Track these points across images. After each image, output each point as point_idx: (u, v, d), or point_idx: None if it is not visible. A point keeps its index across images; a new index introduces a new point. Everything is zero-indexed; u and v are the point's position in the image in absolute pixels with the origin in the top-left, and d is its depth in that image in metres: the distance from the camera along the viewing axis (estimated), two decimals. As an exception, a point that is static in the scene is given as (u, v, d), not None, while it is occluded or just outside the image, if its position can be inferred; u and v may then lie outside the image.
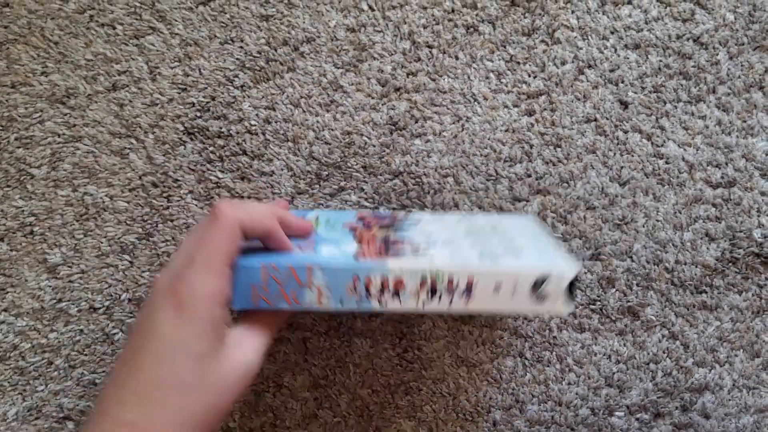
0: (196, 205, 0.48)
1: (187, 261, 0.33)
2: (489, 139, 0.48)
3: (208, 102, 0.49)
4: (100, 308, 0.47)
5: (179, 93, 0.49)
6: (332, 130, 0.48)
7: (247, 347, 0.34)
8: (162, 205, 0.48)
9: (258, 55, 0.49)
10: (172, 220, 0.48)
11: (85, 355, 0.47)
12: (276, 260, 0.35)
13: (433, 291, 0.35)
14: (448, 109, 0.49)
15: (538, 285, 0.35)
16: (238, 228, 0.34)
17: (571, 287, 0.35)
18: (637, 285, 0.47)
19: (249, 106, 0.48)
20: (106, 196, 0.48)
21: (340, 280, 0.35)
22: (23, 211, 0.48)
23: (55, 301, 0.47)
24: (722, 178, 0.48)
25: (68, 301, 0.47)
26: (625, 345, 0.47)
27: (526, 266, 0.35)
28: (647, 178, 0.48)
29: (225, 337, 0.33)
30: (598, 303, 0.47)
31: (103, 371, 0.47)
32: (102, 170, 0.48)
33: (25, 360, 0.47)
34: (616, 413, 0.47)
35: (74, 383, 0.47)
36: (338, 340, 0.47)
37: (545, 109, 0.48)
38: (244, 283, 0.35)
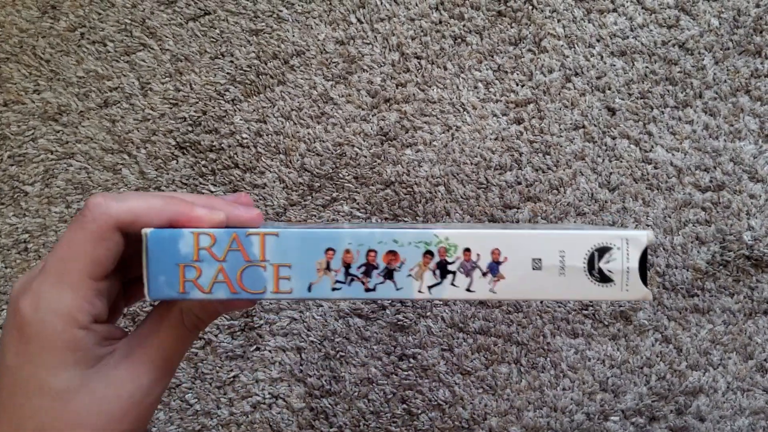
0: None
1: (39, 270, 0.26)
2: (479, 147, 0.49)
3: (199, 116, 0.49)
4: (94, 324, 0.47)
5: (171, 108, 0.49)
6: (323, 141, 0.49)
7: (135, 369, 0.26)
8: (155, 220, 0.48)
9: (248, 69, 0.49)
10: (165, 235, 0.48)
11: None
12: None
13: (444, 269, 0.25)
14: (437, 118, 0.49)
15: (597, 257, 0.25)
16: (112, 225, 0.25)
17: (642, 267, 0.25)
18: (629, 289, 0.47)
19: (240, 120, 0.49)
20: (99, 211, 0.48)
21: (306, 253, 0.25)
22: (17, 228, 0.48)
23: (50, 317, 0.47)
24: (711, 181, 0.48)
25: (63, 317, 0.47)
26: (618, 349, 0.47)
27: (577, 232, 0.25)
28: (636, 183, 0.48)
29: (99, 361, 0.26)
30: (591, 308, 0.47)
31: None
32: (95, 186, 0.48)
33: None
34: (612, 418, 0.47)
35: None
36: (333, 350, 0.47)
37: (534, 117, 0.49)
38: (167, 262, 0.25)
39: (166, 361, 0.27)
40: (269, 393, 0.47)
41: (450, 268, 0.25)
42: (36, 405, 0.25)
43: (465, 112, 0.49)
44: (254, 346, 0.47)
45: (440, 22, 0.49)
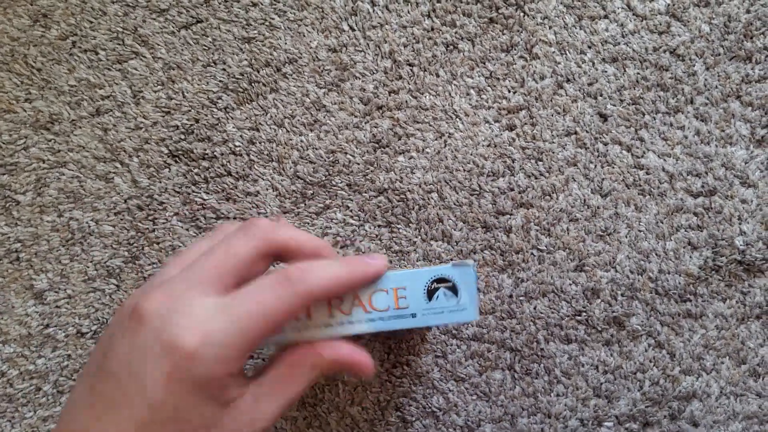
0: (181, 227, 0.48)
1: (181, 281, 0.25)
2: (471, 154, 0.49)
3: (192, 124, 0.49)
4: (87, 333, 0.47)
5: (163, 116, 0.49)
6: (316, 149, 0.49)
7: (262, 414, 0.26)
8: (148, 228, 0.48)
9: (241, 77, 0.49)
10: (158, 243, 0.48)
11: (74, 380, 0.47)
12: None
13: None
14: (430, 125, 0.49)
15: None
16: (306, 299, 0.26)
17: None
18: (622, 295, 0.48)
19: (233, 128, 0.49)
20: (91, 220, 0.48)
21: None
22: (9, 237, 0.48)
23: (42, 326, 0.47)
24: (703, 187, 0.48)
25: (55, 326, 0.47)
26: (611, 355, 0.47)
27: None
28: (628, 189, 0.48)
29: (231, 402, 0.26)
30: (584, 314, 0.47)
31: (92, 396, 0.47)
32: (87, 195, 0.48)
33: (12, 387, 0.47)
34: (605, 424, 0.47)
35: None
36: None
37: (526, 124, 0.49)
38: None
39: (289, 406, 0.28)
40: (263, 401, 0.47)
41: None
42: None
43: (457, 119, 0.49)
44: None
45: (432, 30, 0.50)
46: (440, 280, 0.30)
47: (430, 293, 0.30)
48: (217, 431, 0.25)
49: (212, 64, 0.49)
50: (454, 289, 0.30)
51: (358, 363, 0.29)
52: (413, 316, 0.30)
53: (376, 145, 0.49)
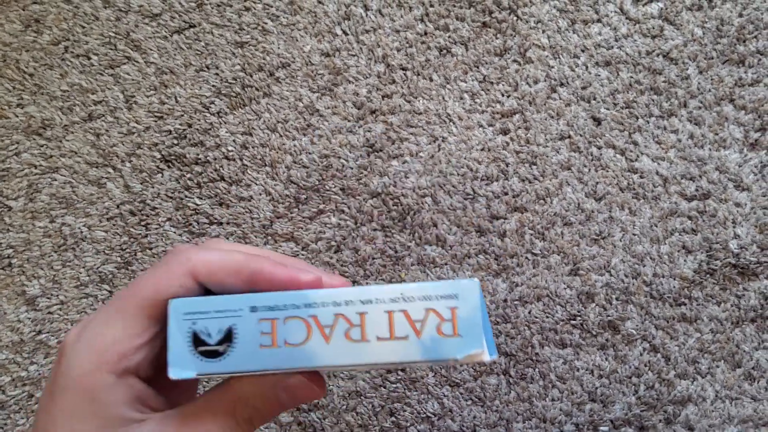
0: (174, 233, 0.48)
1: (98, 309, 0.23)
2: (465, 158, 0.49)
3: (184, 129, 0.49)
4: (79, 339, 0.47)
5: (155, 121, 0.49)
6: (309, 153, 0.49)
7: None
8: (140, 234, 0.48)
9: (233, 82, 0.49)
10: (150, 248, 0.48)
11: (66, 387, 0.47)
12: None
13: None
14: (423, 129, 0.49)
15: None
16: (185, 270, 0.22)
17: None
18: (617, 299, 0.47)
19: (226, 132, 0.49)
20: (84, 226, 0.48)
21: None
22: (1, 243, 0.48)
23: (34, 333, 0.47)
24: (697, 190, 0.48)
25: (48, 332, 0.47)
26: (606, 359, 0.47)
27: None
28: (622, 192, 0.48)
29: (122, 425, 0.21)
30: (579, 318, 0.47)
31: (84, 403, 0.46)
32: (79, 200, 0.48)
33: (5, 394, 0.47)
34: (601, 428, 0.47)
35: (55, 416, 0.47)
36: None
37: (519, 128, 0.49)
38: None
39: None
40: (256, 407, 0.47)
41: None
42: None
43: (451, 123, 0.49)
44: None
45: (425, 34, 0.50)
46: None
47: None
48: None
49: (205, 69, 0.49)
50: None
51: (294, 388, 0.23)
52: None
53: (370, 150, 0.49)
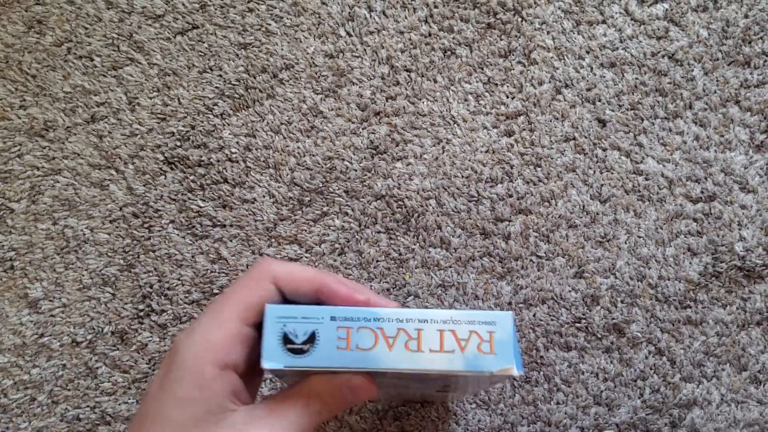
0: (177, 235, 0.48)
1: (200, 315, 0.27)
2: (469, 160, 0.48)
3: (187, 131, 0.48)
4: (82, 342, 0.47)
5: (159, 123, 0.48)
6: (313, 155, 0.48)
7: (264, 429, 0.25)
8: (143, 236, 0.48)
9: (237, 83, 0.49)
10: (153, 251, 0.47)
11: (69, 390, 0.46)
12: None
13: None
14: (428, 131, 0.49)
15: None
16: (269, 276, 0.27)
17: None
18: (622, 302, 0.47)
19: (229, 134, 0.48)
20: (86, 228, 0.48)
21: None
22: (3, 245, 0.48)
23: (36, 336, 0.47)
24: (702, 192, 0.48)
25: (50, 335, 0.47)
26: (612, 362, 0.47)
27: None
28: (627, 195, 0.48)
29: (222, 412, 0.25)
30: (584, 321, 0.47)
31: (87, 406, 0.46)
32: (82, 202, 0.48)
33: (7, 397, 0.47)
34: (606, 432, 0.46)
35: (58, 419, 0.47)
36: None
37: (524, 130, 0.49)
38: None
39: None
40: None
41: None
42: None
43: (455, 125, 0.49)
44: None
45: (430, 35, 0.49)
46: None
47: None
48: None
49: (208, 70, 0.49)
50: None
51: (357, 387, 0.27)
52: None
53: (374, 152, 0.48)
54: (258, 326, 0.27)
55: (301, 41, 0.49)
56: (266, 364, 0.26)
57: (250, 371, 0.27)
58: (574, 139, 0.49)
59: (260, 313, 0.27)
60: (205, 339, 0.26)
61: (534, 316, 0.47)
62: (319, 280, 0.28)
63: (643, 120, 0.49)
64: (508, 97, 0.49)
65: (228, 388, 0.26)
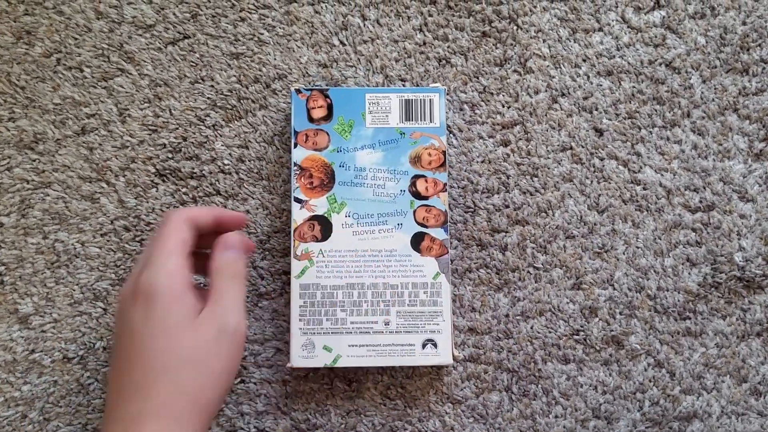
0: (170, 249, 0.47)
1: (144, 261, 0.35)
2: (465, 170, 0.48)
3: (179, 143, 0.48)
4: (74, 358, 0.46)
5: (150, 134, 0.48)
6: (307, 166, 0.48)
7: (223, 309, 0.35)
8: (135, 250, 0.47)
9: (229, 94, 0.48)
10: (145, 265, 0.47)
11: (60, 406, 0.46)
12: None
13: None
14: (423, 141, 0.48)
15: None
16: (186, 218, 0.36)
17: None
18: (620, 313, 0.47)
19: (221, 146, 0.48)
20: (77, 242, 0.47)
21: None
22: (-8, 260, 0.47)
23: (27, 352, 0.46)
24: (701, 202, 0.48)
25: (41, 351, 0.46)
26: (610, 375, 0.46)
27: None
28: (625, 204, 0.48)
29: (197, 314, 0.34)
30: (582, 333, 0.47)
31: (79, 423, 0.46)
32: (73, 216, 0.47)
33: (-3, 414, 0.46)
34: (605, 445, 0.46)
35: (49, 436, 0.46)
36: (318, 384, 0.46)
37: (520, 139, 0.48)
38: None
39: (237, 301, 0.36)
40: (255, 427, 0.46)
41: None
42: (160, 345, 0.32)
43: (451, 135, 0.48)
44: (239, 379, 0.46)
45: (424, 44, 0.49)
46: None
47: None
48: (193, 334, 0.33)
49: (200, 81, 0.48)
50: None
51: (242, 244, 0.38)
52: None
53: (369, 162, 0.48)
54: (190, 254, 0.36)
55: (293, 51, 0.49)
56: None
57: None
58: (571, 148, 0.48)
59: (189, 245, 0.36)
60: (168, 270, 0.34)
61: (532, 328, 0.47)
62: (214, 212, 0.38)
63: (640, 129, 0.48)
64: (503, 106, 0.48)
65: (195, 297, 0.34)
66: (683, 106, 0.48)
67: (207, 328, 0.34)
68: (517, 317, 0.47)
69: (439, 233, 0.44)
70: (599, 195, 0.48)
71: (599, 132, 0.48)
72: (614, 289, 0.47)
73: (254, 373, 0.46)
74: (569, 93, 0.48)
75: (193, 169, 0.48)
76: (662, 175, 0.48)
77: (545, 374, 0.46)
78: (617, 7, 0.49)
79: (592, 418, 0.46)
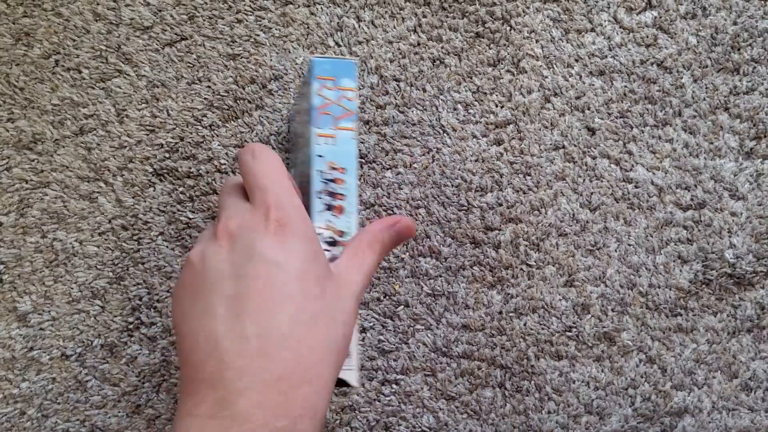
0: (166, 247, 0.47)
1: (256, 198, 0.30)
2: (459, 169, 0.48)
3: (176, 142, 0.48)
4: (72, 355, 0.47)
5: (147, 134, 0.48)
6: (302, 166, 0.48)
7: (352, 267, 0.31)
8: (132, 248, 0.47)
9: (226, 94, 0.49)
10: (143, 263, 0.47)
11: (59, 403, 0.46)
12: None
13: None
14: (417, 141, 0.49)
15: None
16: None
17: None
18: (612, 310, 0.47)
19: (218, 145, 0.48)
20: (75, 241, 0.47)
21: None
22: (-8, 259, 0.47)
23: (26, 349, 0.47)
24: (692, 200, 0.48)
25: (39, 349, 0.47)
26: (602, 371, 0.47)
27: None
28: (617, 203, 0.48)
29: (329, 269, 0.30)
30: (574, 329, 0.47)
31: (77, 420, 0.46)
32: (71, 215, 0.48)
33: (-3, 411, 0.46)
34: (598, 440, 0.46)
35: (48, 432, 0.47)
36: (313, 380, 0.47)
37: (513, 138, 0.49)
38: None
39: (369, 266, 0.32)
40: (251, 422, 0.46)
41: None
42: (312, 292, 0.28)
43: (445, 134, 0.49)
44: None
45: (418, 45, 0.49)
46: None
47: None
48: (329, 282, 0.30)
49: (197, 82, 0.49)
50: None
51: (406, 228, 0.34)
52: None
53: (363, 161, 0.48)
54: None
55: (289, 52, 0.49)
56: None
57: None
58: (564, 147, 0.49)
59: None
60: (300, 205, 0.30)
61: (525, 325, 0.47)
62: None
63: (632, 128, 0.49)
64: (497, 105, 0.49)
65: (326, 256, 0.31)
66: (675, 105, 0.49)
67: (344, 287, 0.30)
68: (510, 314, 0.47)
69: None
70: (591, 193, 0.48)
71: (591, 131, 0.49)
72: (606, 286, 0.47)
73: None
74: (562, 93, 0.49)
75: (190, 168, 0.48)
76: (654, 173, 0.48)
77: (538, 370, 0.47)
78: (609, 7, 0.50)
79: (585, 413, 0.46)
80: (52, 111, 0.48)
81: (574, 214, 0.48)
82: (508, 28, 0.49)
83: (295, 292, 0.28)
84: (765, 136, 0.49)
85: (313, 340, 0.27)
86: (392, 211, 0.48)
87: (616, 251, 0.48)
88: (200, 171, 0.48)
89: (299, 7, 0.49)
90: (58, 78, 0.49)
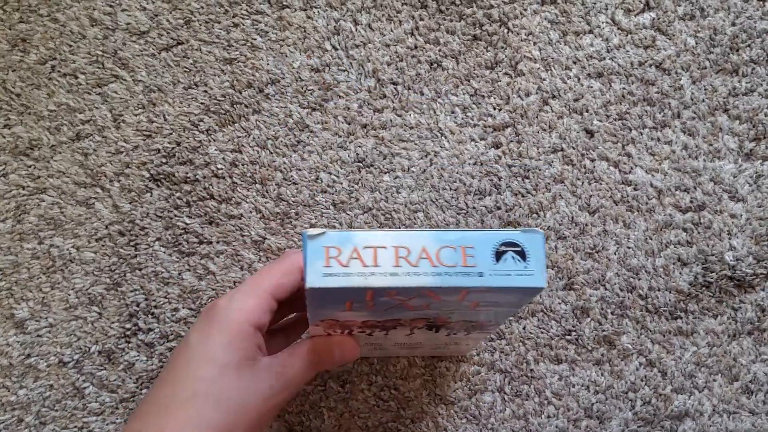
0: (164, 252, 0.47)
1: (236, 287, 0.34)
2: (457, 172, 0.48)
3: (173, 148, 0.48)
4: (69, 362, 0.46)
5: (144, 140, 0.48)
6: (300, 170, 0.48)
7: (269, 379, 0.33)
8: (129, 254, 0.47)
9: (222, 99, 0.49)
10: (140, 269, 0.47)
11: (56, 410, 0.46)
12: None
13: None
14: (415, 144, 0.49)
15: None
16: (299, 265, 0.34)
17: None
18: (612, 313, 0.47)
19: (215, 150, 0.48)
20: (72, 247, 0.47)
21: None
22: (-11, 265, 0.47)
23: (23, 356, 0.46)
24: (691, 202, 0.48)
25: (37, 356, 0.46)
26: (602, 375, 0.47)
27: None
28: (616, 205, 0.48)
29: (253, 360, 0.33)
30: (574, 333, 0.47)
31: (75, 426, 0.46)
32: (68, 221, 0.47)
33: (-6, 418, 0.46)
34: (598, 444, 0.46)
35: (46, 439, 0.46)
36: (311, 385, 0.46)
37: (512, 141, 0.48)
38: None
39: (288, 382, 0.34)
40: None
41: None
42: (201, 372, 0.31)
43: (443, 137, 0.49)
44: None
45: (416, 48, 0.49)
46: (509, 244, 0.29)
47: (498, 255, 0.29)
48: (237, 378, 0.32)
49: (193, 86, 0.49)
50: (522, 254, 0.29)
51: (342, 344, 0.36)
52: (480, 274, 0.28)
53: (361, 165, 0.48)
54: (281, 302, 0.34)
55: (286, 56, 0.49)
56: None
57: (267, 336, 0.36)
58: (562, 150, 0.48)
59: (287, 292, 0.34)
60: (245, 303, 0.33)
61: (524, 329, 0.47)
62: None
63: (631, 130, 0.48)
64: (495, 108, 0.49)
65: (258, 342, 0.33)
66: (673, 107, 0.49)
67: (256, 381, 0.33)
68: (509, 318, 0.47)
69: None
70: (590, 196, 0.48)
71: (590, 133, 0.48)
72: (606, 289, 0.47)
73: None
74: (560, 95, 0.49)
75: (187, 173, 0.48)
76: (653, 175, 0.48)
77: (537, 374, 0.46)
78: (607, 9, 0.49)
79: (585, 417, 0.46)
80: (48, 117, 0.48)
81: (572, 217, 0.48)
82: (506, 30, 0.49)
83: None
84: (764, 138, 0.48)
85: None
86: (390, 215, 0.48)
87: (615, 254, 0.47)
88: (197, 176, 0.48)
89: (296, 10, 0.49)
90: (55, 84, 0.49)
